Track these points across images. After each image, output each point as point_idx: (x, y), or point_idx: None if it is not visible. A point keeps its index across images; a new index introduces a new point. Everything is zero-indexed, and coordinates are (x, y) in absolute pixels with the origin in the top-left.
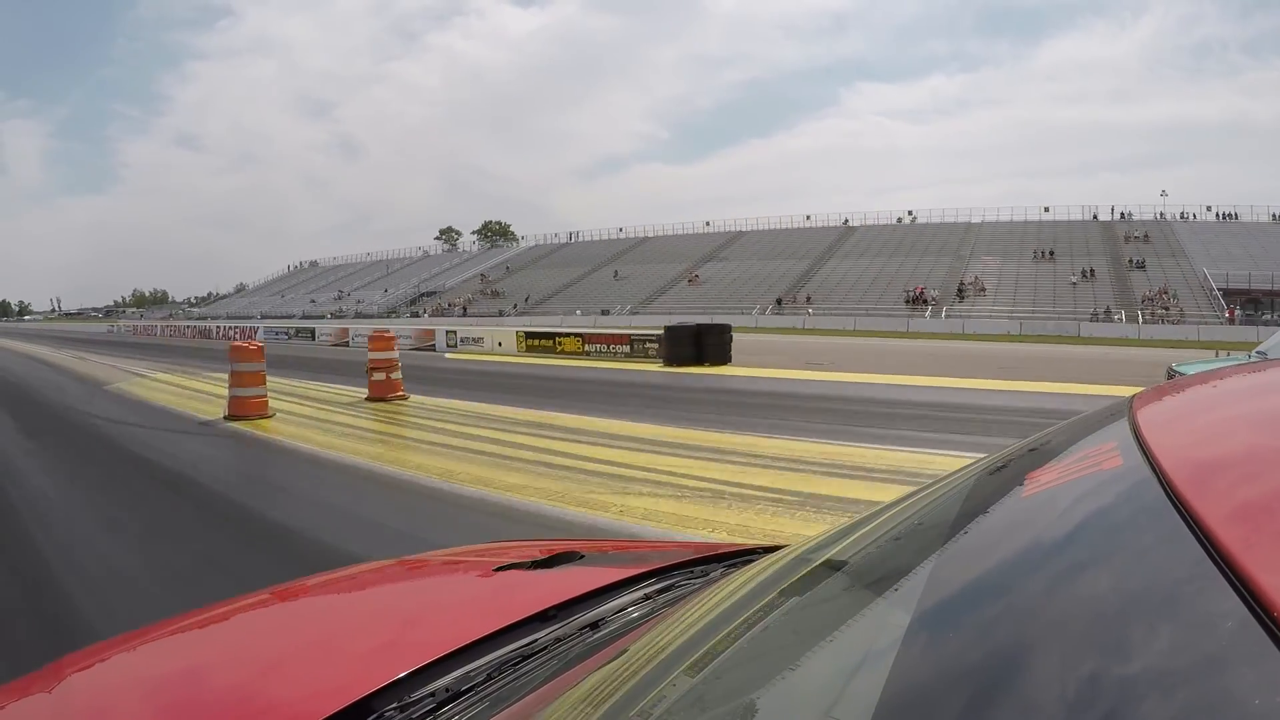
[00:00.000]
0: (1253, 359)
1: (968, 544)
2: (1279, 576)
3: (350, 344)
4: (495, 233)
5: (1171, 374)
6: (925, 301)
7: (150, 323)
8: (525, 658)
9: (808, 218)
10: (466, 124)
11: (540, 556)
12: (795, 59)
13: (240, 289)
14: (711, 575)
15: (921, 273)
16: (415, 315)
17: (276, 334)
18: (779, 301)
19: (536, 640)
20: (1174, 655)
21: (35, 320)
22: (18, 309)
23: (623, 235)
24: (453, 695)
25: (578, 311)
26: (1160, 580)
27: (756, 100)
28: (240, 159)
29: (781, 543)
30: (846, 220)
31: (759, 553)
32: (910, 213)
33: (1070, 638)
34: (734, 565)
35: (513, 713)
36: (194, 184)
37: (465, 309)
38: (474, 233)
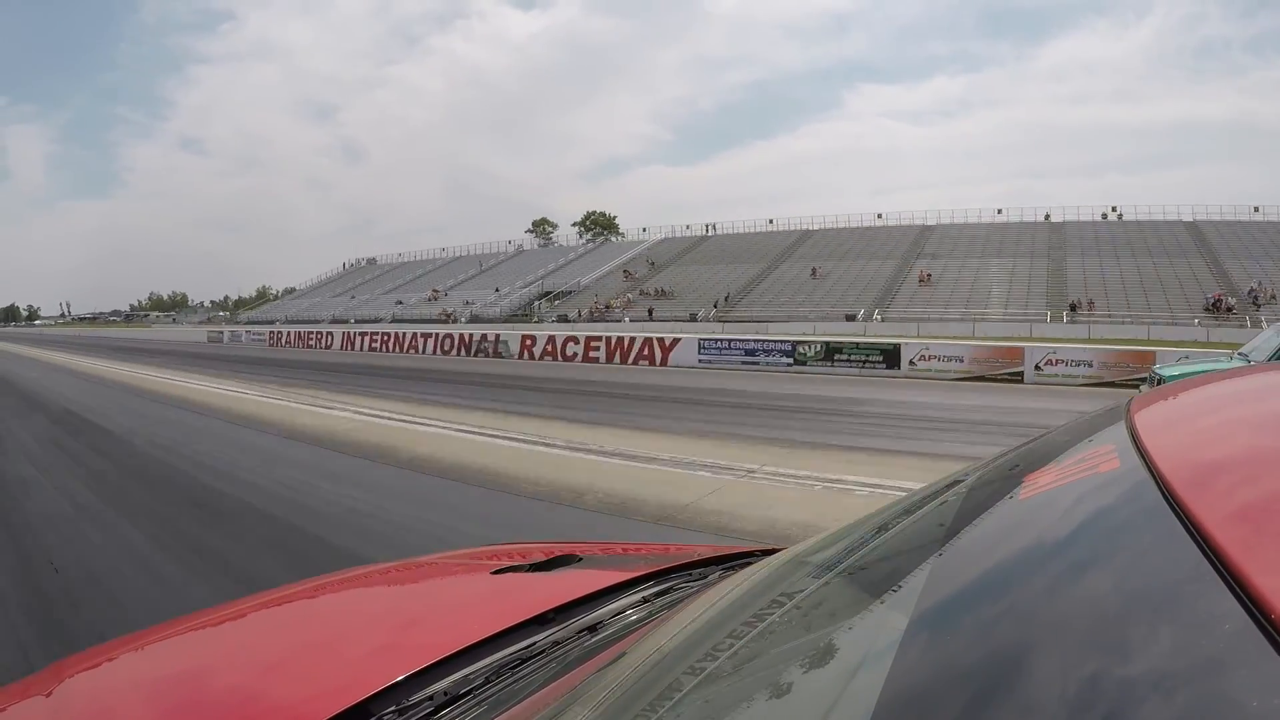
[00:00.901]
0: (1234, 361)
1: (966, 546)
2: (1276, 578)
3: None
4: (599, 225)
5: (1153, 377)
6: (1227, 309)
7: (257, 328)
8: (524, 661)
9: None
10: (469, 127)
11: (539, 559)
12: (798, 61)
13: (290, 291)
14: (709, 578)
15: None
16: (564, 319)
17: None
18: (1073, 307)
19: (535, 643)
20: (1172, 657)
21: (48, 325)
22: (27, 313)
23: (776, 228)
24: (451, 698)
25: (794, 318)
26: (1158, 582)
27: (759, 102)
28: (243, 163)
29: (778, 545)
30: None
31: (756, 555)
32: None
33: (1068, 639)
34: (732, 567)
35: (511, 716)
36: (197, 188)
37: (622, 310)
38: (575, 224)
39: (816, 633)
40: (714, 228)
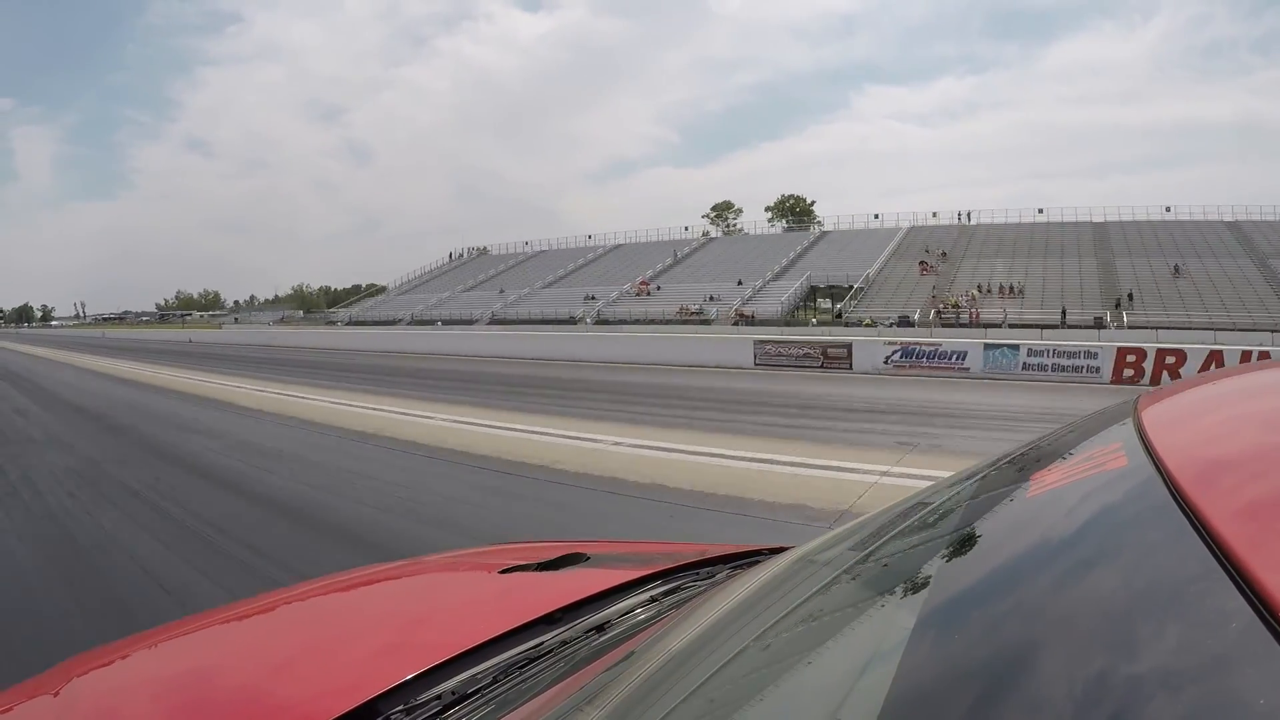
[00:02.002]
0: None
1: (973, 544)
2: None
3: None
4: (794, 210)
5: None
6: None
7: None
8: (531, 660)
9: (1039, 211)
10: (476, 128)
11: (546, 558)
12: (805, 62)
13: (378, 289)
14: (717, 577)
15: None
16: (907, 321)
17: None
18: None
19: (543, 643)
20: (1180, 654)
21: (65, 325)
22: (40, 314)
23: (1047, 220)
24: (459, 698)
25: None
26: (1165, 579)
27: (766, 103)
28: (251, 164)
29: (786, 544)
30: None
31: (764, 554)
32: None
33: (1076, 637)
34: (739, 566)
35: (519, 716)
36: (205, 189)
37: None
38: (768, 210)
39: (824, 632)
40: (969, 216)
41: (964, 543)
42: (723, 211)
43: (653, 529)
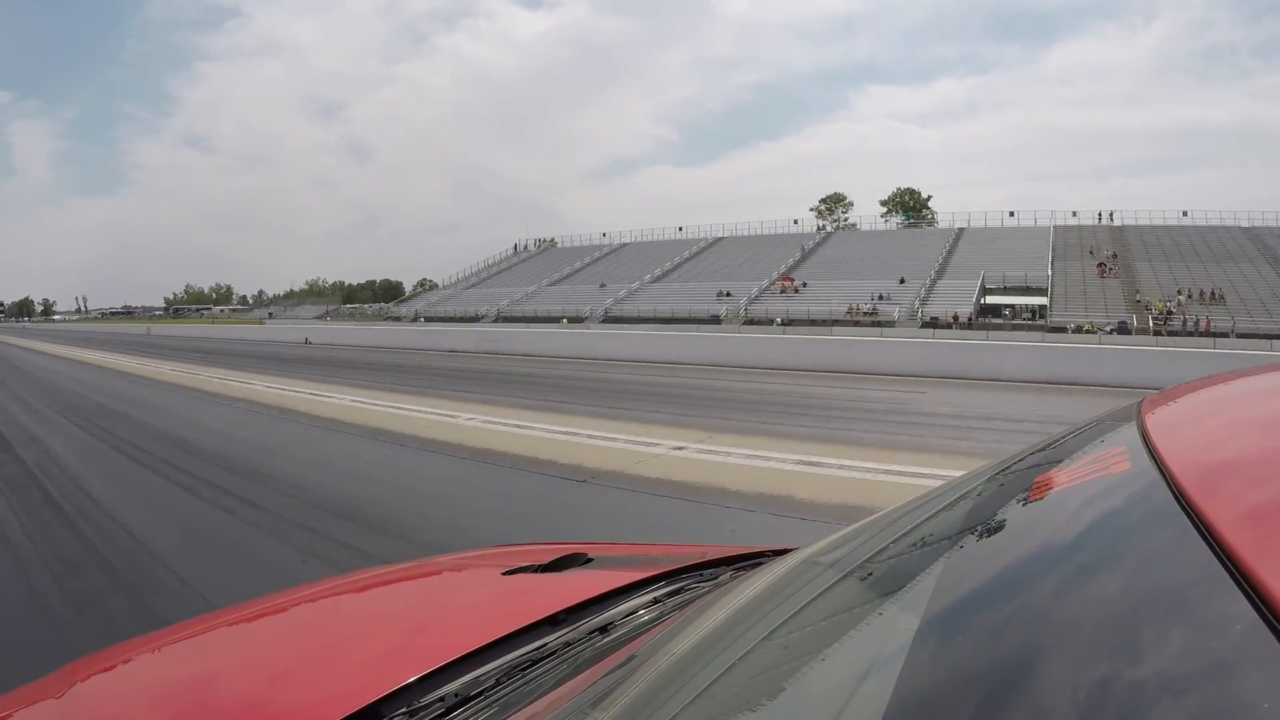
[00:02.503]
0: None
1: (977, 548)
2: None
3: None
4: (910, 206)
5: None
6: None
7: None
8: (535, 662)
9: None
10: (476, 126)
11: (549, 560)
12: (805, 62)
13: (429, 286)
14: (720, 578)
15: None
16: (1087, 330)
17: None
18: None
19: (546, 644)
20: (1184, 659)
21: (67, 320)
22: (41, 307)
23: (1194, 222)
24: (462, 700)
25: None
26: (1170, 584)
27: (766, 103)
28: (250, 160)
29: (790, 546)
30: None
31: (767, 556)
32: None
33: (1080, 641)
34: (742, 568)
35: (523, 718)
36: (204, 185)
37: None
38: (882, 203)
39: (828, 634)
40: (1111, 216)
41: (968, 546)
42: (834, 205)
43: None
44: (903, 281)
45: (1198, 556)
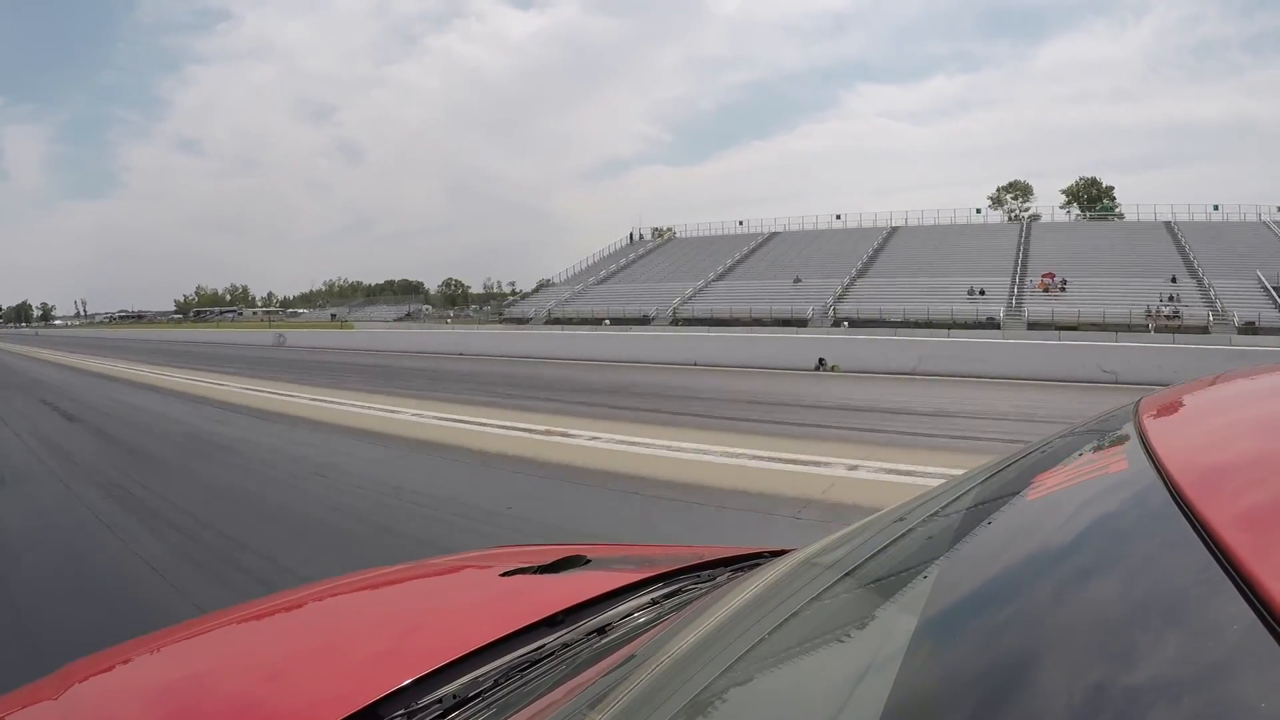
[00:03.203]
0: None
1: (974, 548)
2: None
3: None
4: (1092, 196)
5: None
6: None
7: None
8: (533, 663)
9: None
10: (468, 127)
11: (547, 561)
12: (797, 60)
13: (543, 283)
14: (718, 579)
15: None
16: None
17: None
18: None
19: (544, 645)
20: (1181, 661)
21: (69, 324)
22: (40, 312)
23: None
24: (460, 701)
25: None
26: (1167, 585)
27: (758, 102)
28: (242, 163)
29: (788, 547)
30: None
31: (766, 556)
32: None
33: (1077, 643)
34: (740, 569)
35: (521, 719)
36: (196, 188)
37: None
38: (1063, 191)
39: (825, 635)
40: None
41: (966, 547)
42: (1019, 194)
43: None
44: (1174, 280)
45: (1195, 557)
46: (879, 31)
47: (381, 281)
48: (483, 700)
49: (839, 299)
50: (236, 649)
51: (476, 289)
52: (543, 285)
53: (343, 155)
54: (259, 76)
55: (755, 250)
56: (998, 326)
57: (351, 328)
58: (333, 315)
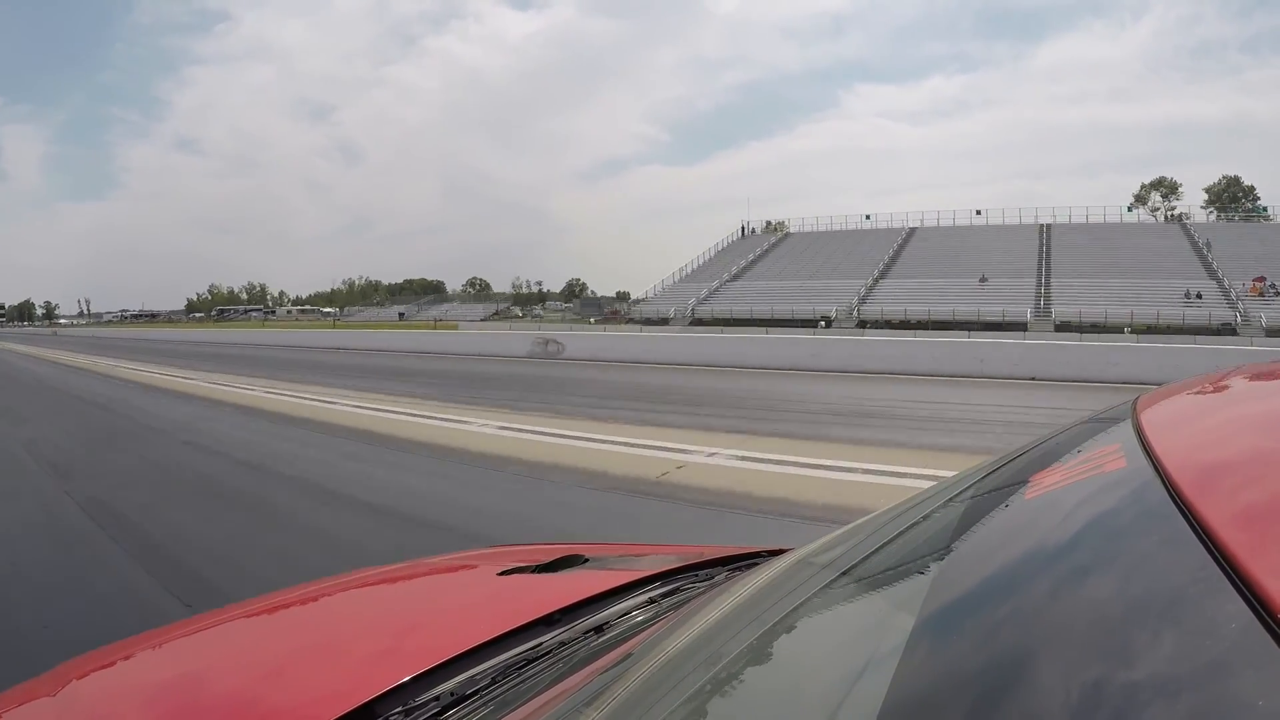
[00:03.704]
0: None
1: (971, 547)
2: None
3: None
4: (1235, 196)
5: None
6: None
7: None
8: (530, 662)
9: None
10: (466, 127)
11: (544, 560)
12: (794, 61)
13: (651, 290)
14: (716, 579)
15: None
16: None
17: None
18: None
19: (541, 644)
20: (1178, 660)
21: (78, 324)
22: (43, 310)
23: None
24: (457, 699)
25: None
26: (1164, 584)
27: (756, 102)
28: (241, 163)
29: (785, 546)
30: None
31: (763, 556)
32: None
33: (1074, 641)
34: (738, 568)
35: (518, 717)
36: (195, 188)
37: None
38: (1205, 190)
39: (822, 634)
40: None
41: (962, 545)
42: (1168, 192)
43: None
44: None
45: (1193, 555)
46: (877, 32)
47: (401, 280)
48: (480, 698)
49: (1044, 301)
50: (233, 647)
51: (498, 288)
52: (668, 284)
53: (341, 156)
54: (257, 77)
55: (904, 246)
56: (1234, 333)
57: (454, 327)
58: (400, 314)
